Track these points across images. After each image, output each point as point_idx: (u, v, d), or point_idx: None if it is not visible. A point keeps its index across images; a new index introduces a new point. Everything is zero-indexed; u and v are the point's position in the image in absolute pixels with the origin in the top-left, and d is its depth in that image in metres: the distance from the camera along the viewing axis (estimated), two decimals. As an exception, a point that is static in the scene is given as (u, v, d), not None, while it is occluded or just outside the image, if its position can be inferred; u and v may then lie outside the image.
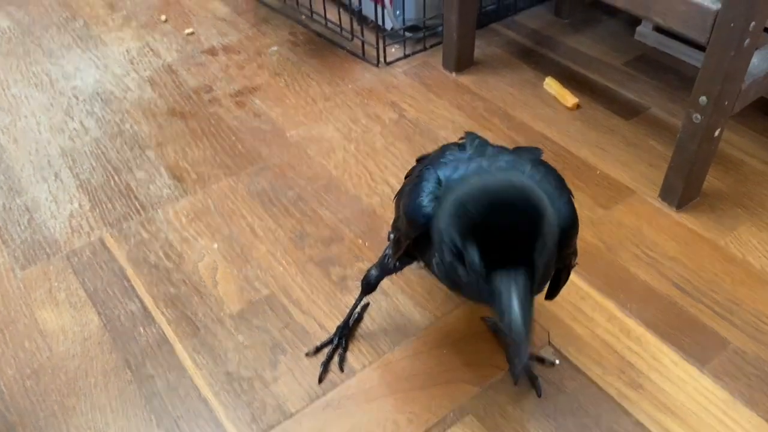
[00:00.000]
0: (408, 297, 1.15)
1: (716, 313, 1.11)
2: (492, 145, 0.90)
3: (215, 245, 1.26)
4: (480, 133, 0.93)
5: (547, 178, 0.81)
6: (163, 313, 1.15)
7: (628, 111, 1.53)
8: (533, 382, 1.02)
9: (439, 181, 0.80)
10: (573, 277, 1.16)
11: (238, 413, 1.00)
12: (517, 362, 0.68)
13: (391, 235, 0.95)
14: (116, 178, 1.42)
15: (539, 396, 1.01)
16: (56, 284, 1.20)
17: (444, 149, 0.90)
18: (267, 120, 1.55)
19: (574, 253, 0.87)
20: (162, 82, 1.69)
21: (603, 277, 1.17)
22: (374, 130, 1.51)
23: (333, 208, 1.32)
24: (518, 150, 0.91)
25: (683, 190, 1.25)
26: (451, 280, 0.80)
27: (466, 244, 0.67)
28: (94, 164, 1.45)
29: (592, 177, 1.36)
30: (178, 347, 1.10)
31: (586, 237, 1.24)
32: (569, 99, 1.53)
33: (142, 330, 1.12)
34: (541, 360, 1.05)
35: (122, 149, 1.49)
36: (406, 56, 1.73)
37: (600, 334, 1.09)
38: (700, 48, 1.61)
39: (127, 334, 1.12)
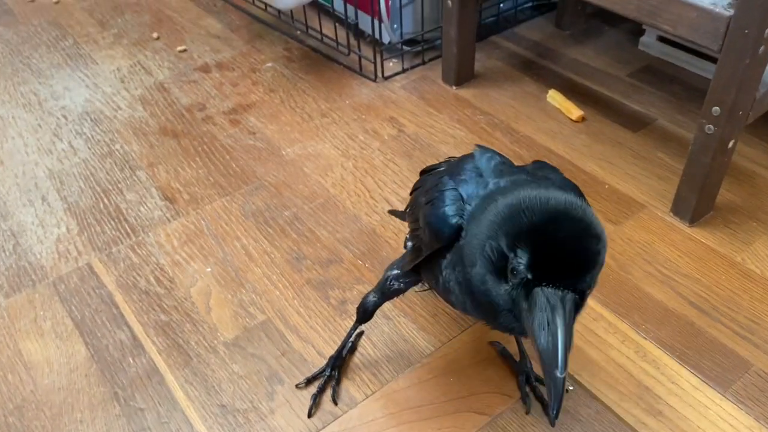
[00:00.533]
0: (411, 321, 1.10)
1: (736, 333, 1.05)
2: (508, 162, 0.84)
3: (208, 269, 1.20)
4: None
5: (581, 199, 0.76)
6: (153, 341, 1.09)
7: (634, 123, 1.48)
8: (545, 411, 0.97)
9: (461, 197, 0.75)
10: (584, 297, 1.11)
11: (232, 449, 0.94)
12: (552, 405, 0.62)
13: (409, 244, 0.89)
14: (105, 200, 1.36)
15: (552, 425, 0.95)
16: (42, 313, 1.14)
17: (462, 162, 0.83)
18: (262, 138, 1.50)
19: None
20: (153, 100, 1.64)
21: (615, 297, 1.11)
22: (373, 146, 1.46)
23: (331, 227, 1.27)
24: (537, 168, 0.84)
25: (696, 204, 1.20)
26: (466, 298, 0.75)
27: (516, 248, 0.62)
28: (82, 186, 1.40)
29: (600, 191, 1.31)
30: (169, 378, 1.04)
31: (596, 254, 1.18)
32: (574, 111, 1.48)
33: (131, 360, 1.06)
34: (554, 386, 0.99)
35: (112, 170, 1.44)
36: (404, 70, 1.68)
37: (614, 357, 1.03)
38: (707, 58, 1.57)
39: (116, 364, 1.06)
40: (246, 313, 1.12)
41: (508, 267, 0.64)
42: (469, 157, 0.83)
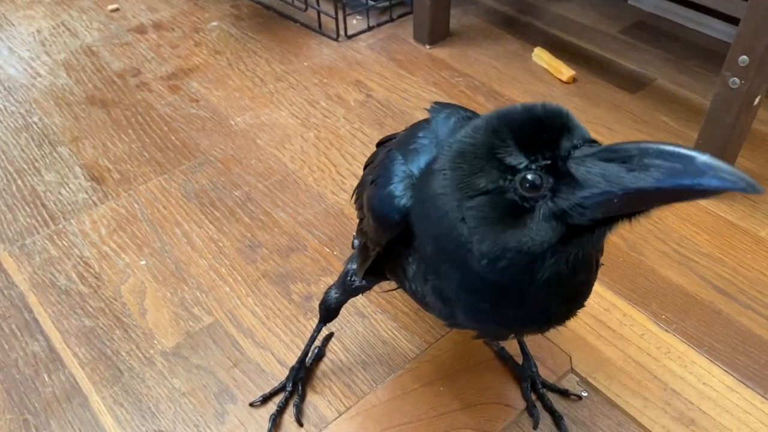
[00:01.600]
0: (391, 318, 0.91)
1: (770, 322, 0.90)
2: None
3: (143, 262, 1.00)
4: None
5: None
6: (75, 353, 0.89)
7: (631, 84, 1.32)
8: (557, 424, 0.80)
9: (411, 173, 0.60)
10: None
11: (173, 487, 0.75)
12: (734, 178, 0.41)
13: (356, 242, 0.72)
14: (19, 181, 1.14)
15: (567, 441, 0.78)
16: (-67, 321, 0.93)
17: (415, 128, 0.67)
18: (206, 106, 1.29)
19: (600, 249, 0.66)
20: (80, 65, 1.41)
21: (629, 283, 0.95)
22: (337, 114, 1.26)
23: (291, 209, 1.07)
24: None
25: (713, 172, 1.04)
26: (458, 301, 0.57)
27: (505, 157, 0.48)
28: (-9, 166, 1.17)
29: (600, 161, 1.14)
30: (95, 399, 0.84)
31: (601, 233, 1.01)
32: (564, 71, 1.31)
33: (46, 377, 0.86)
34: (564, 393, 0.83)
35: (28, 146, 1.21)
36: (370, 28, 1.49)
37: (633, 354, 0.86)
38: (706, 11, 1.42)
39: (27, 383, 0.85)
40: (189, 315, 0.93)
41: (518, 191, 0.48)
42: (425, 121, 0.68)
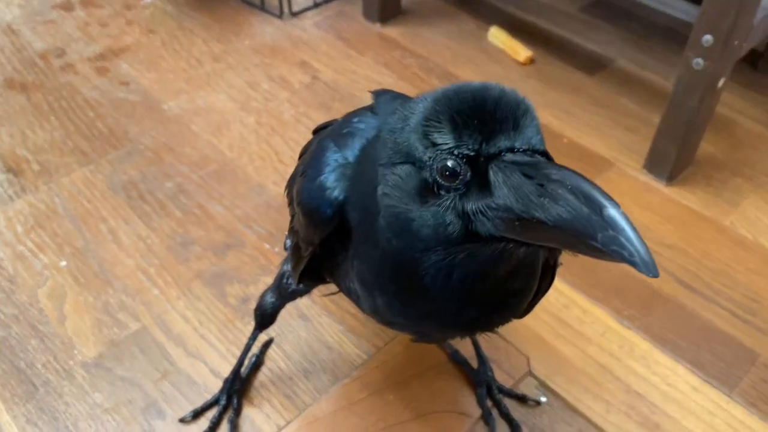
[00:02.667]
0: (336, 321, 0.84)
1: (735, 316, 0.86)
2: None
3: (63, 263, 0.90)
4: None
5: None
6: (-18, 367, 0.79)
7: (590, 65, 1.26)
8: (514, 431, 0.74)
9: (346, 161, 0.54)
10: (551, 278, 0.89)
11: None
12: (637, 254, 0.36)
13: (288, 242, 0.65)
14: (-76, 174, 1.03)
15: (525, 450, 0.73)
16: None
17: (349, 115, 0.60)
18: (137, 89, 1.19)
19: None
20: (-2, 45, 1.29)
21: (588, 277, 0.89)
22: (280, 97, 1.18)
23: (228, 201, 0.99)
24: None
25: (676, 158, 0.99)
26: (380, 292, 0.51)
27: (429, 138, 0.42)
28: None
29: (558, 146, 1.08)
30: (5, 418, 0.75)
31: (560, 224, 0.96)
32: (521, 52, 1.24)
33: (-51, 395, 0.77)
34: (522, 398, 0.77)
35: (-64, 135, 1.10)
36: (316, 5, 1.40)
37: (594, 354, 0.81)
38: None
39: (-74, 403, 0.76)
40: (114, 321, 0.84)
41: (430, 174, 0.42)
42: (364, 108, 0.62)
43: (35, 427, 0.74)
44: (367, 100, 1.18)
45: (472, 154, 0.41)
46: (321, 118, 1.13)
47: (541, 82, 1.21)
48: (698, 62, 0.89)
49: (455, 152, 0.41)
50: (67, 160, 1.05)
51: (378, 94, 0.64)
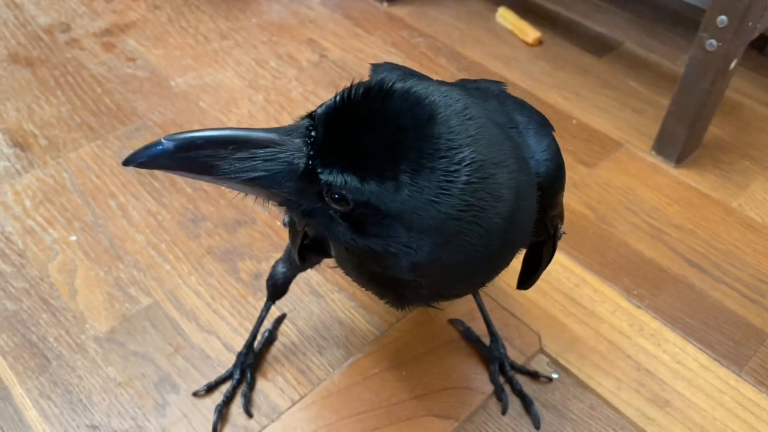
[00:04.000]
0: (348, 297, 0.84)
1: (744, 296, 0.87)
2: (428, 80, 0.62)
3: (73, 237, 0.90)
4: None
5: (519, 110, 0.58)
6: (-6, 340, 0.79)
7: (599, 47, 1.26)
8: (527, 408, 0.75)
9: None
10: (560, 256, 0.89)
11: (107, 490, 0.68)
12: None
13: (286, 218, 0.65)
14: (-70, 148, 1.02)
15: (537, 428, 0.73)
16: None
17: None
18: (144, 65, 1.18)
19: (560, 217, 0.61)
20: (1, 19, 1.27)
21: (599, 256, 0.90)
22: (288, 75, 1.17)
23: (238, 178, 0.98)
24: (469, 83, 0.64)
25: (685, 140, 0.99)
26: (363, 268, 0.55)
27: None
28: None
29: (567, 127, 1.09)
30: (18, 391, 0.75)
31: (569, 203, 0.96)
32: (529, 33, 1.24)
33: (-39, 368, 0.77)
34: (535, 375, 0.78)
35: (-59, 109, 1.09)
36: (323, -17, 1.38)
37: (605, 333, 0.82)
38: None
39: (-61, 375, 0.76)
40: (125, 296, 0.84)
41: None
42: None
43: (49, 400, 0.75)
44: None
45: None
46: (328, 96, 1.12)
47: (549, 63, 1.21)
48: (712, 43, 0.89)
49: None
50: (74, 135, 1.05)
51: (377, 66, 0.65)
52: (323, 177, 0.44)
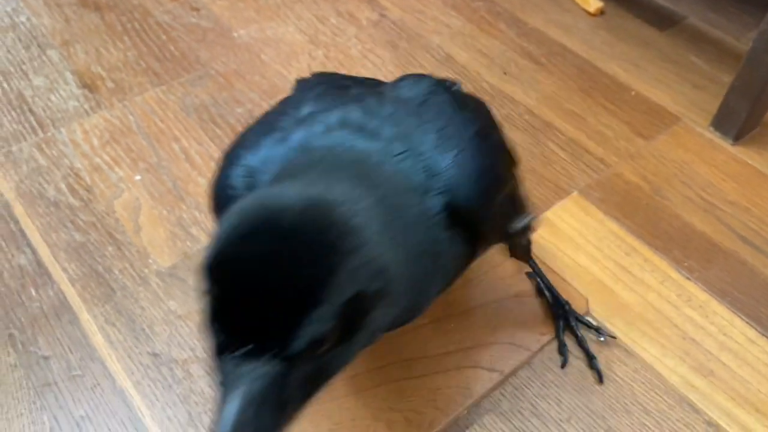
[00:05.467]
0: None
1: (796, 275, 0.87)
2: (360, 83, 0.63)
3: (138, 177, 0.94)
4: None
5: (431, 108, 0.54)
6: (64, 268, 0.83)
7: (661, 20, 1.24)
8: (590, 363, 0.76)
9: (249, 168, 0.53)
10: (614, 227, 0.90)
11: (168, 412, 0.72)
12: None
13: None
14: (5, 84, 1.06)
15: (601, 382, 0.75)
16: None
17: (285, 101, 0.62)
18: (208, 15, 1.20)
19: (523, 234, 0.63)
20: (71, -36, 1.31)
21: (651, 227, 0.90)
22: (348, 33, 1.18)
23: (297, 130, 1.01)
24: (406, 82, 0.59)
25: (746, 117, 0.98)
26: None
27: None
28: (-26, 66, 1.08)
29: (625, 99, 1.08)
30: (85, 317, 0.79)
31: (625, 174, 0.96)
32: (591, 3, 1.23)
33: (33, 292, 0.81)
34: (597, 330, 0.79)
35: (15, 47, 1.12)
36: (386, -57, 1.38)
37: (653, 301, 0.83)
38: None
39: (12, 297, 0.80)
40: (187, 235, 0.87)
41: None
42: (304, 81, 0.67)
43: (113, 327, 0.79)
44: (433, 39, 1.18)
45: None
46: (386, 56, 1.14)
47: (611, 34, 1.20)
48: (784, 18, 0.88)
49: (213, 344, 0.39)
50: (140, 80, 1.08)
51: (303, 83, 0.66)
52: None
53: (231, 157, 0.55)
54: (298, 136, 0.52)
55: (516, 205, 0.64)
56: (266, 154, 0.52)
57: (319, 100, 0.55)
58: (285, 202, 0.39)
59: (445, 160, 0.50)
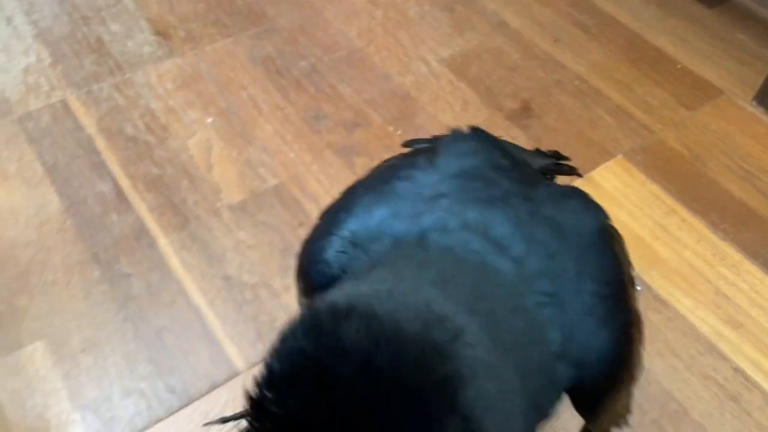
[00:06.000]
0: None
1: (827, 243, 0.91)
2: (503, 163, 0.48)
3: (209, 119, 1.00)
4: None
5: (594, 257, 0.45)
6: (143, 197, 0.91)
7: (710, -3, 1.28)
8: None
9: (350, 240, 0.43)
10: (656, 189, 0.95)
11: (239, 328, 0.79)
12: None
13: None
14: (85, 28, 1.13)
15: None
16: (5, 153, 0.94)
17: (412, 155, 0.51)
18: (275, -27, 1.26)
19: (621, 417, 0.51)
20: None
21: (690, 191, 0.95)
22: (407, -5, 1.23)
23: (356, 85, 1.07)
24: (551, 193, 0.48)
25: (789, 92, 1.02)
26: None
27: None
28: (56, 11, 1.15)
29: (671, 71, 1.12)
30: (162, 242, 0.86)
31: (668, 141, 1.01)
32: (643, -23, 1.26)
33: (115, 217, 0.88)
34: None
35: (92, -5, 1.19)
36: None
37: (688, 258, 0.88)
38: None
39: (96, 221, 0.88)
40: (255, 174, 0.94)
41: None
42: (430, 149, 0.49)
43: (189, 252, 0.86)
44: (488, 5, 1.21)
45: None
46: (444, 19, 1.19)
47: (660, 9, 1.24)
48: (833, -3, 0.91)
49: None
50: (210, 31, 1.14)
51: (454, 136, 0.51)
52: None
53: (330, 222, 0.45)
54: (421, 221, 0.41)
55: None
56: (377, 228, 0.42)
57: (459, 182, 0.44)
58: (396, 327, 0.30)
59: (598, 339, 0.42)
